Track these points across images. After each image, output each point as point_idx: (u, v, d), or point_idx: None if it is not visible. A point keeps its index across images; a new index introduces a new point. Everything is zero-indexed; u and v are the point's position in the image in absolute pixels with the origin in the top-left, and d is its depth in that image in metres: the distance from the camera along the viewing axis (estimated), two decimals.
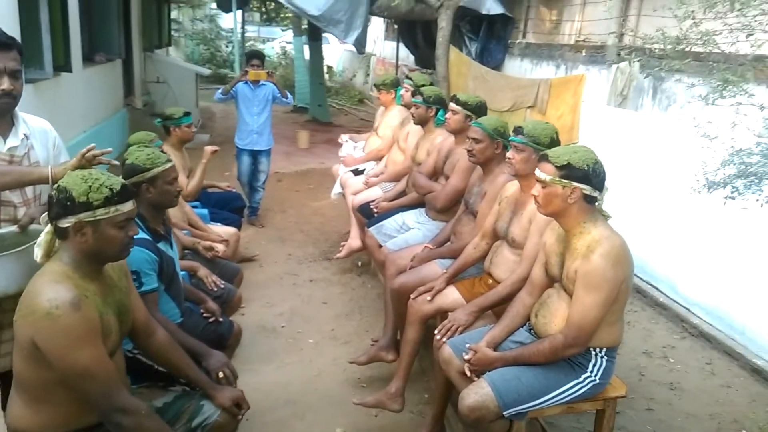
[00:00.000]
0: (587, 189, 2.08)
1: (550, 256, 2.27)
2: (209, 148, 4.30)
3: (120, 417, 1.68)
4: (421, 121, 4.06)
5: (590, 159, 2.10)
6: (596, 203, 2.14)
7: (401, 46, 11.15)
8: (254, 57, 5.51)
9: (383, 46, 14.74)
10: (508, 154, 2.66)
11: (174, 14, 15.43)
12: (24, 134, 2.17)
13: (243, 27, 12.57)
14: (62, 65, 5.58)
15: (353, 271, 4.77)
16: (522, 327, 2.39)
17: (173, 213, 3.32)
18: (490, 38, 7.73)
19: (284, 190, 6.97)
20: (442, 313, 2.82)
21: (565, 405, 2.22)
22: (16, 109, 2.17)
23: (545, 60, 6.91)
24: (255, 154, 5.60)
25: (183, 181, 3.81)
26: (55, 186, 1.73)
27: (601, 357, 2.19)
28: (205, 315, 2.72)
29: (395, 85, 4.99)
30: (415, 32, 9.68)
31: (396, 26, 11.38)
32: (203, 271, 3.07)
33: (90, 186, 1.69)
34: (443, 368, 2.48)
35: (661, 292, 4.50)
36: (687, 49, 2.23)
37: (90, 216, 1.69)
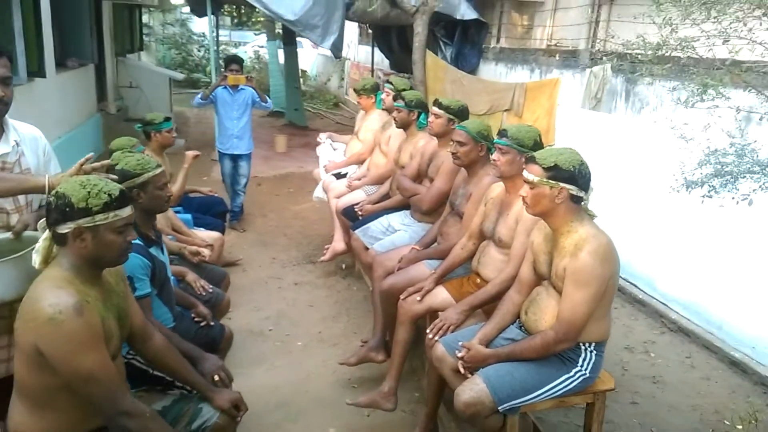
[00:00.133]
0: (574, 189, 2.15)
1: (538, 254, 2.33)
2: (191, 153, 4.30)
3: (125, 420, 1.69)
4: (404, 125, 4.10)
5: (576, 160, 2.17)
6: (582, 203, 2.22)
7: (376, 50, 11.21)
8: (233, 62, 5.52)
9: (357, 50, 14.79)
10: (493, 157, 2.72)
11: (145, 18, 15.24)
12: (15, 141, 2.16)
13: (217, 31, 12.49)
14: (36, 71, 5.49)
15: (338, 274, 4.79)
16: (513, 324, 2.45)
17: (157, 218, 3.30)
18: (465, 43, 7.82)
19: (264, 194, 6.96)
20: (432, 313, 2.88)
21: (557, 399, 2.28)
22: (6, 116, 2.16)
23: (519, 64, 7.02)
24: (235, 158, 5.61)
25: None
26: (53, 192, 1.73)
27: (591, 351, 2.26)
28: (196, 319, 2.73)
29: (375, 89, 5.03)
30: (389, 37, 9.74)
31: (370, 31, 11.43)
32: (191, 276, 3.07)
33: (89, 192, 1.69)
34: (436, 366, 2.52)
35: (639, 289, 4.62)
36: (666, 54, 2.33)
37: (89, 222, 1.69)
